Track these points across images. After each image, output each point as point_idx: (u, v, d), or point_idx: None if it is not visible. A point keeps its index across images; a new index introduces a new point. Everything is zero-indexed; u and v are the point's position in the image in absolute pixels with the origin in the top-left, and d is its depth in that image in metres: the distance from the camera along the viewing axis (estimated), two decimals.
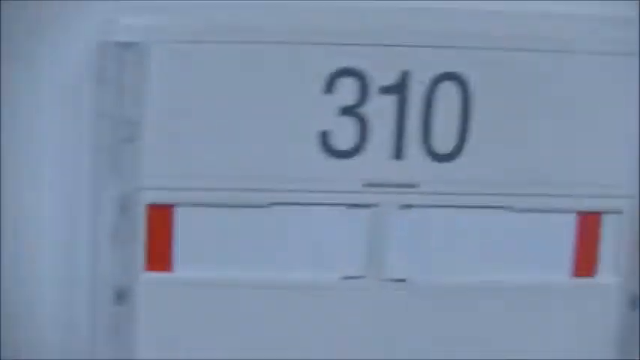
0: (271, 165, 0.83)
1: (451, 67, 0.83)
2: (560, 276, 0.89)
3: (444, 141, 0.84)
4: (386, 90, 0.83)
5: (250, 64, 0.82)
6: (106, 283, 0.85)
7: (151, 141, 0.82)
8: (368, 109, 0.83)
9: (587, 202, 0.88)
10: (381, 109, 0.83)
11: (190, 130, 0.82)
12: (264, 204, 0.84)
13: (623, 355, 0.90)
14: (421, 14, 0.83)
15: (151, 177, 0.83)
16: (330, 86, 0.82)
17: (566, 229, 0.88)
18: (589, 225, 0.88)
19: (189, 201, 0.84)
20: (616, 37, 0.86)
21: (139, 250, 0.85)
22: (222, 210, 0.84)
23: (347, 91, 0.83)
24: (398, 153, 0.84)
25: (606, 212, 0.88)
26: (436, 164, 0.85)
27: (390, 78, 0.83)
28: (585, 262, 0.89)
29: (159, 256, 0.85)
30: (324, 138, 0.83)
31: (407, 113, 0.83)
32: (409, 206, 0.86)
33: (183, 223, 0.85)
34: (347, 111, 0.83)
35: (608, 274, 0.89)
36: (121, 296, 0.85)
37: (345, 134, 0.83)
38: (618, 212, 0.88)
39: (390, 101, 0.83)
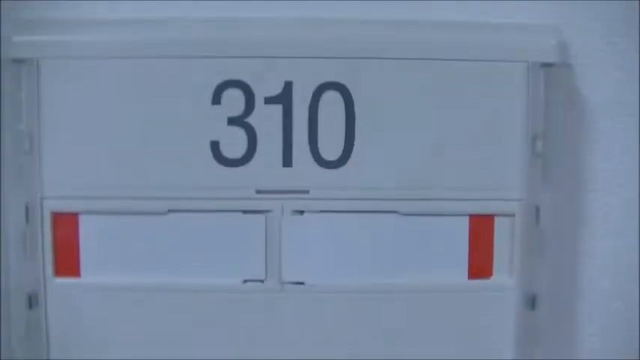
0: (167, 174, 0.88)
1: (334, 76, 0.86)
2: (456, 278, 0.91)
3: (331, 148, 0.88)
4: (271, 100, 0.86)
5: (139, 78, 0.86)
6: (18, 289, 0.89)
7: (50, 152, 0.87)
8: (255, 119, 0.86)
9: (478, 205, 0.89)
10: (267, 119, 0.87)
11: (88, 142, 0.87)
12: (162, 211, 0.88)
13: (522, 355, 0.91)
14: (302, 25, 0.87)
15: (53, 186, 0.88)
16: (217, 98, 0.86)
17: (459, 232, 0.90)
18: (482, 228, 0.90)
19: (92, 209, 0.88)
20: (504, 44, 0.88)
21: (48, 257, 0.89)
22: (124, 217, 0.89)
23: (234, 102, 0.86)
24: (287, 160, 0.88)
25: (498, 215, 0.90)
26: (325, 170, 0.88)
27: (274, 88, 0.86)
28: (480, 264, 0.91)
29: (66, 262, 0.90)
30: (215, 147, 0.87)
31: (293, 122, 0.87)
32: (301, 212, 0.89)
33: (87, 230, 0.89)
34: (235, 121, 0.87)
35: (503, 276, 0.91)
36: (33, 301, 0.90)
37: (234, 143, 0.87)
38: (510, 215, 0.90)
39: (275, 111, 0.87)
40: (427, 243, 0.90)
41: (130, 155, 0.87)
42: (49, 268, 0.90)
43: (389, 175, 0.88)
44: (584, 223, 0.93)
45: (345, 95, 0.86)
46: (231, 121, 0.86)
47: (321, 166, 0.88)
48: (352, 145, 0.87)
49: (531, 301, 0.91)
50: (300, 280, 0.90)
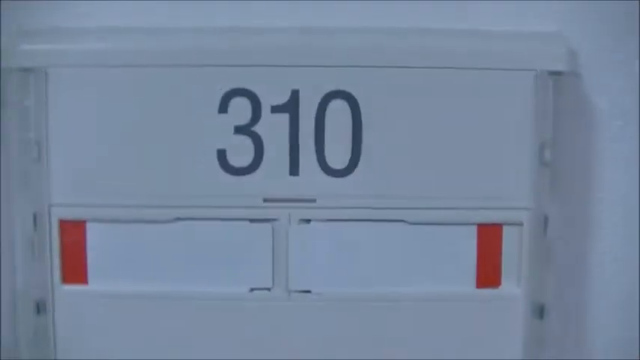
0: (174, 182, 0.88)
1: (340, 85, 0.86)
2: (463, 287, 0.90)
3: (337, 157, 0.87)
4: (277, 109, 0.86)
5: (147, 87, 0.86)
6: (26, 295, 0.90)
7: (58, 160, 0.87)
8: (261, 128, 0.86)
9: (486, 214, 0.89)
10: (274, 128, 0.86)
11: (96, 150, 0.87)
12: (170, 219, 0.89)
13: None
14: (309, 34, 0.86)
15: (61, 194, 0.88)
16: (224, 106, 0.86)
17: (467, 242, 0.90)
18: (490, 237, 0.90)
19: (99, 217, 0.89)
20: (512, 52, 0.87)
21: (56, 264, 0.89)
22: (131, 225, 0.89)
23: (240, 110, 0.86)
24: (293, 169, 0.87)
25: (506, 224, 0.89)
26: (331, 179, 0.88)
27: (281, 97, 0.86)
28: (488, 274, 0.90)
29: (74, 269, 0.90)
30: (222, 156, 0.87)
31: (300, 131, 0.87)
32: (308, 220, 0.89)
33: (95, 237, 0.89)
34: (241, 130, 0.87)
35: (511, 285, 0.90)
36: (41, 307, 0.90)
37: (241, 152, 0.87)
38: (519, 224, 0.89)
39: (282, 119, 0.86)
40: (435, 252, 0.90)
41: (137, 163, 0.87)
42: (57, 275, 0.90)
43: (396, 183, 0.88)
44: (592, 232, 0.92)
45: (351, 104, 0.86)
46: (238, 130, 0.86)
47: (328, 174, 0.87)
48: (359, 153, 0.87)
49: (539, 311, 0.90)
50: (307, 289, 0.90)
